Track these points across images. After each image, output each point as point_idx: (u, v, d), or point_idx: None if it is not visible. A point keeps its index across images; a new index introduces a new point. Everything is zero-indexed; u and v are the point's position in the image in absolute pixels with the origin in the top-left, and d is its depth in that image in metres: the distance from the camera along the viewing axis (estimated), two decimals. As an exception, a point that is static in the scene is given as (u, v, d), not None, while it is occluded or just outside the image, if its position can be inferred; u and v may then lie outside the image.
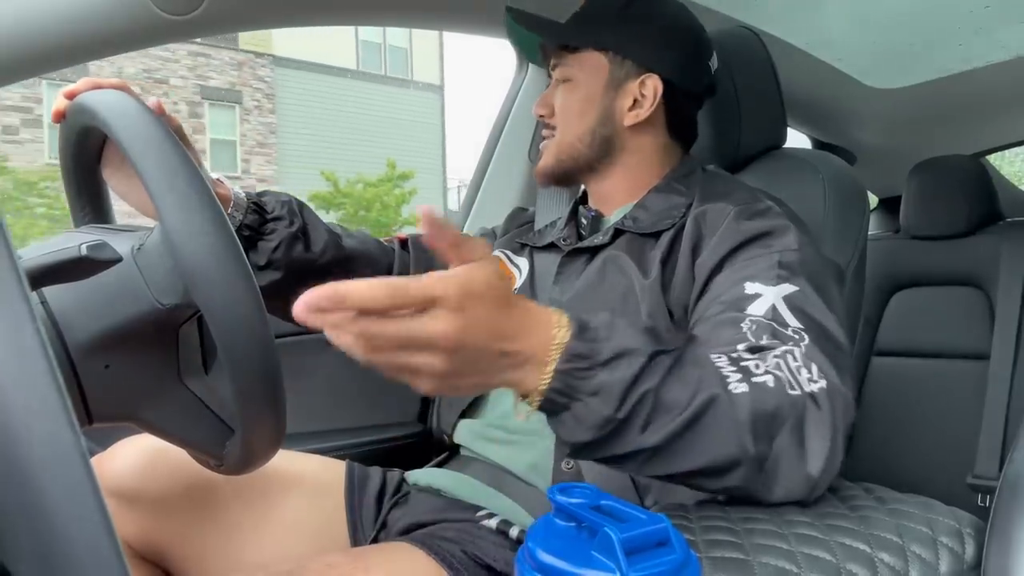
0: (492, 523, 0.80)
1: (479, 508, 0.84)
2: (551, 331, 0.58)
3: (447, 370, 0.53)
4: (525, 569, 0.42)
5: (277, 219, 0.90)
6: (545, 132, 0.98)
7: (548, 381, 0.57)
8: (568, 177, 0.98)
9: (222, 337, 0.53)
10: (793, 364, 0.65)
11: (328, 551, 0.79)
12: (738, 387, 0.61)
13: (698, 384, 0.60)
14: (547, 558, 0.41)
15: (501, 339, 0.55)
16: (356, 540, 0.90)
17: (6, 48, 0.86)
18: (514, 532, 0.79)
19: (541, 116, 0.98)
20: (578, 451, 0.61)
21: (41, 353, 0.26)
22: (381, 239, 1.05)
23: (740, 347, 0.67)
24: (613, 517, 0.42)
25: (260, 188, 0.95)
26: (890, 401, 1.83)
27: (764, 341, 0.68)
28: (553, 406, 0.58)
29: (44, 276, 0.53)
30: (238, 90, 14.04)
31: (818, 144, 1.95)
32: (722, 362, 0.63)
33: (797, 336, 0.69)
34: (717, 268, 0.79)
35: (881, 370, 1.86)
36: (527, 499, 0.83)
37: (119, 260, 0.55)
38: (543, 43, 1.00)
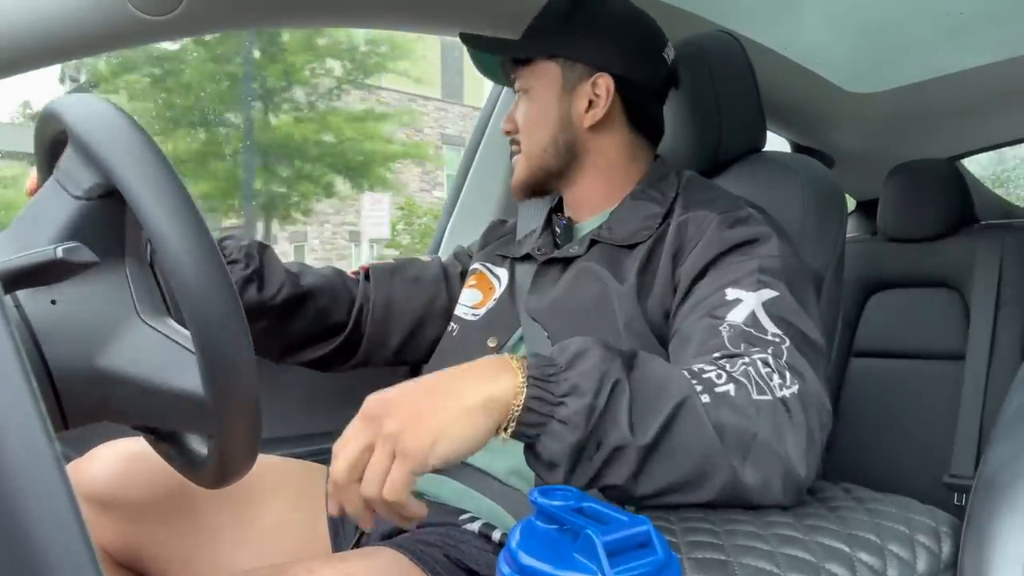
0: (474, 527, 0.80)
1: (462, 511, 0.84)
2: (504, 356, 0.62)
3: (393, 429, 0.57)
4: (507, 572, 0.42)
5: (232, 263, 0.95)
6: (513, 147, 1.00)
7: (524, 390, 0.59)
8: (541, 187, 0.99)
9: (192, 318, 0.53)
10: (764, 370, 0.66)
11: (309, 556, 0.79)
12: (703, 397, 0.62)
13: (666, 382, 0.62)
14: (529, 560, 0.41)
15: (434, 379, 0.61)
16: (338, 545, 0.89)
17: (-20, 48, 0.84)
18: (496, 535, 0.79)
19: (507, 132, 0.99)
20: (575, 463, 0.60)
21: (14, 357, 0.26)
22: (348, 272, 1.09)
23: (715, 355, 0.69)
24: (595, 519, 0.42)
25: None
26: (868, 401, 1.85)
27: (740, 348, 0.69)
28: (536, 417, 0.59)
29: (18, 280, 0.52)
30: (463, 136, 17.48)
31: (797, 147, 1.97)
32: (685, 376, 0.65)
33: (777, 340, 0.70)
34: (700, 275, 0.80)
35: (859, 371, 1.88)
36: (510, 502, 0.83)
37: (96, 263, 0.54)
38: (502, 62, 1.03)
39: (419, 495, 0.88)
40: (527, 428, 0.59)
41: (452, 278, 1.11)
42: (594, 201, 0.97)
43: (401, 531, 0.83)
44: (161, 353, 0.58)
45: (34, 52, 0.88)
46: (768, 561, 0.58)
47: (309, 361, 1.05)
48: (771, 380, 0.65)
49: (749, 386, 0.64)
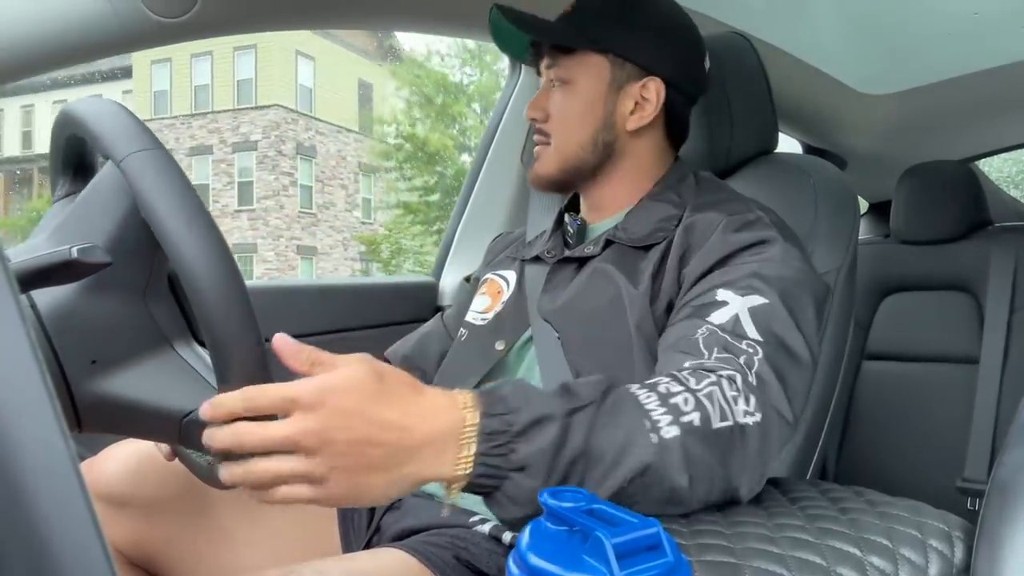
0: (485, 528, 0.80)
1: (472, 513, 0.84)
2: (457, 413, 0.58)
3: (323, 472, 0.54)
4: (516, 573, 0.42)
5: None
6: (538, 137, 0.95)
7: (470, 467, 0.57)
8: (568, 185, 0.96)
9: (210, 337, 0.54)
10: (730, 393, 0.66)
11: (319, 557, 0.79)
12: (669, 431, 0.62)
13: (628, 436, 0.61)
14: (538, 562, 0.41)
15: (382, 430, 0.55)
16: (348, 545, 0.90)
17: (-3, 51, 0.85)
18: (507, 538, 0.79)
19: (534, 119, 0.94)
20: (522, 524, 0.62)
21: (31, 357, 0.26)
22: None
23: (685, 369, 0.69)
24: (605, 521, 0.42)
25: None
26: (880, 405, 1.84)
27: (713, 354, 0.70)
28: (483, 490, 0.59)
29: (33, 279, 0.53)
30: (373, 164, 19.68)
31: (809, 149, 1.96)
32: (652, 403, 0.64)
33: (751, 350, 0.70)
34: (701, 277, 0.80)
35: (871, 374, 1.87)
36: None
37: (109, 264, 0.55)
38: (534, 42, 0.95)
39: (430, 496, 0.89)
40: (475, 490, 0.60)
41: (452, 328, 1.11)
42: (614, 202, 0.95)
43: (412, 533, 0.83)
44: (176, 376, 0.60)
45: (49, 55, 0.89)
46: (779, 564, 0.57)
47: None
48: (735, 404, 0.66)
49: (712, 411, 0.64)
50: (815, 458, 1.02)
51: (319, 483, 0.54)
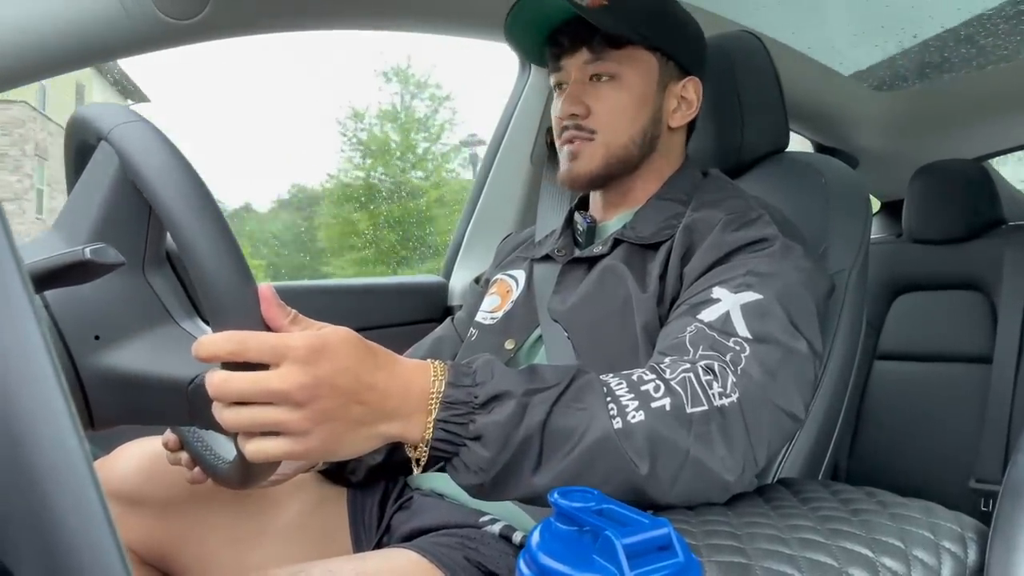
0: (495, 528, 0.80)
1: (482, 513, 0.84)
2: (427, 381, 0.61)
3: (307, 426, 0.55)
4: (526, 573, 0.42)
5: None
6: (575, 134, 0.92)
7: (430, 431, 0.60)
8: (609, 181, 0.94)
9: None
10: (705, 378, 0.66)
11: (330, 556, 0.79)
12: (635, 415, 0.63)
13: (589, 420, 0.62)
14: (548, 562, 0.41)
15: (367, 390, 0.57)
16: (359, 545, 0.90)
17: (10, 53, 0.86)
18: (517, 537, 0.79)
19: (574, 116, 0.91)
20: (480, 494, 0.64)
21: (46, 357, 0.26)
22: None
23: (667, 358, 0.69)
24: (615, 521, 0.42)
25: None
26: (893, 405, 1.83)
27: (697, 351, 0.70)
28: (441, 454, 0.62)
29: (47, 279, 0.53)
30: None
31: (820, 148, 1.95)
32: (621, 389, 0.65)
33: (738, 347, 0.70)
34: (699, 276, 0.80)
35: (884, 374, 1.86)
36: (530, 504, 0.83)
37: (122, 264, 0.55)
38: (557, 40, 0.92)
39: (440, 496, 0.89)
40: (434, 452, 0.62)
41: (463, 331, 1.10)
42: (630, 199, 0.95)
43: (423, 532, 0.83)
44: (180, 345, 0.59)
45: (62, 57, 0.89)
46: (790, 565, 0.57)
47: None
48: (710, 388, 0.66)
49: (685, 396, 0.64)
50: (827, 458, 1.02)
51: (300, 436, 0.55)
